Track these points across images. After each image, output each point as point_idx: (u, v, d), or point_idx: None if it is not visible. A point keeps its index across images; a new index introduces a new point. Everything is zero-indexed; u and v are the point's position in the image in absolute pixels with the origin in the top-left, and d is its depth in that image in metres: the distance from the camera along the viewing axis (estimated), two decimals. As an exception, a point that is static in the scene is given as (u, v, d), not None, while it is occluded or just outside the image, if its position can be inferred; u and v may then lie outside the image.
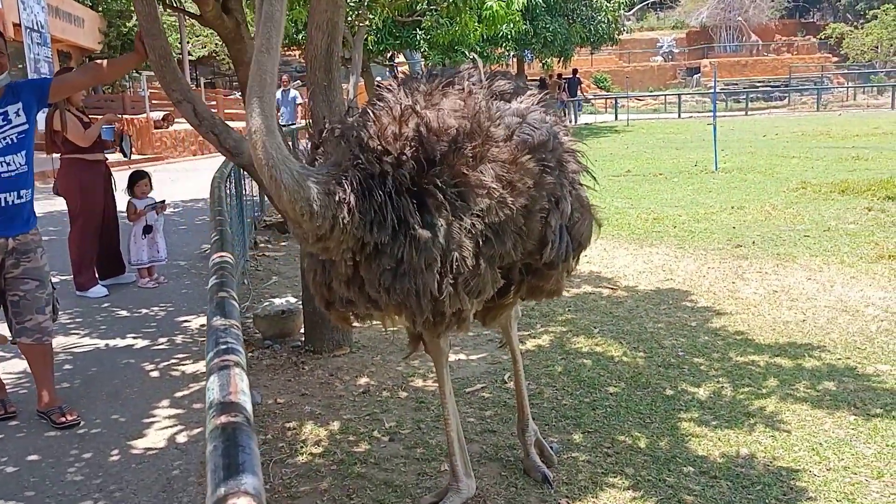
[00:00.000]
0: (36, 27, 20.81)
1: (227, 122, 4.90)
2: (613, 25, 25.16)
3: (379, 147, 2.39)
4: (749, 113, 31.60)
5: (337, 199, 2.30)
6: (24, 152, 3.89)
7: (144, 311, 6.23)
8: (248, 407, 1.25)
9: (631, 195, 11.19)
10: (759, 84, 41.67)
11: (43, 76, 20.69)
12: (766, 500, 3.05)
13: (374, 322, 2.89)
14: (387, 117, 2.49)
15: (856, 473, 3.24)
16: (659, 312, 5.56)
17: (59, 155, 6.47)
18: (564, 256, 2.73)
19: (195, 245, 8.72)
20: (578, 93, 29.87)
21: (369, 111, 2.57)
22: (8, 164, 3.80)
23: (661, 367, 4.51)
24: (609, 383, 4.29)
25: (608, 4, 24.38)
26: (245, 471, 1.02)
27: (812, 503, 3.03)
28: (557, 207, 2.68)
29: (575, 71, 29.21)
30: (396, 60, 35.78)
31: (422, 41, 18.33)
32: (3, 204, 3.78)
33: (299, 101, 16.68)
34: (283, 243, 8.89)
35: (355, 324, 2.94)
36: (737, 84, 41.16)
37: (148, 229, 6.83)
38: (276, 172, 2.16)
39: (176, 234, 8.98)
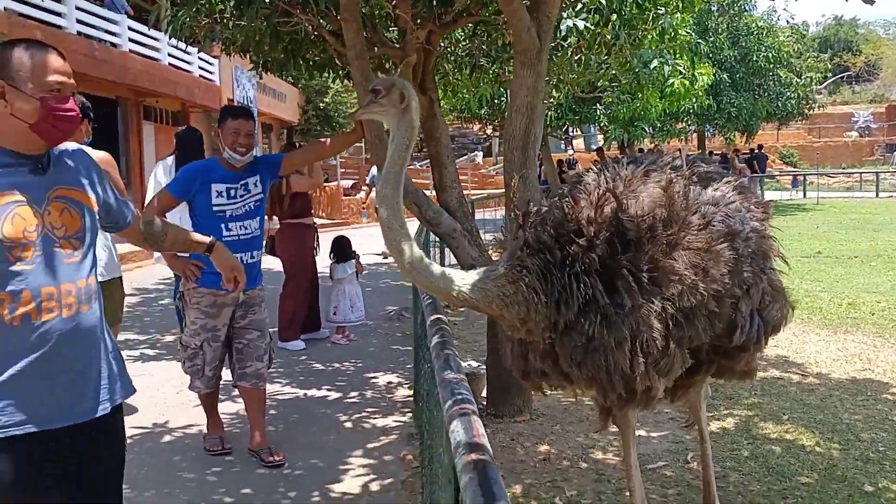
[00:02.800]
0: (245, 102, 23.28)
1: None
2: (804, 101, 24.22)
3: (573, 230, 2.58)
4: (959, 193, 28.97)
5: (523, 285, 2.52)
6: (258, 218, 4.46)
7: (337, 365, 6.72)
8: (490, 448, 1.45)
9: (822, 278, 10.61)
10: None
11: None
12: None
13: (568, 390, 3.03)
14: (584, 201, 2.68)
15: None
16: (856, 403, 5.26)
17: (277, 219, 7.22)
18: (756, 339, 2.77)
19: (380, 307, 9.26)
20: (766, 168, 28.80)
21: (569, 195, 2.77)
22: (246, 228, 4.36)
23: (858, 460, 4.27)
24: (801, 473, 4.12)
25: (798, 80, 23.54)
26: (500, 499, 1.21)
27: None
28: (748, 293, 2.73)
29: (760, 146, 28.23)
30: (572, 133, 36.32)
31: (601, 116, 18.60)
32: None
33: None
34: (462, 308, 9.22)
35: (548, 391, 3.11)
36: (944, 162, 38.01)
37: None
38: (466, 296, 2.55)
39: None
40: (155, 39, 20.01)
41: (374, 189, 13.57)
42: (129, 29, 18.70)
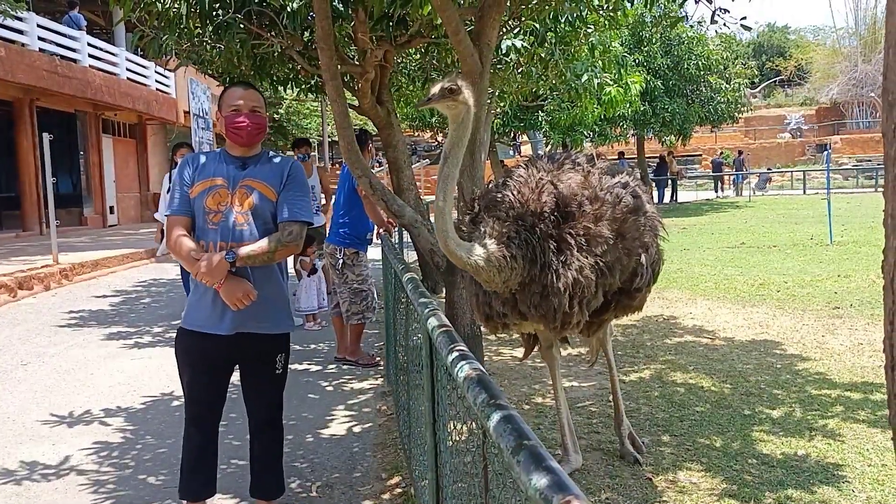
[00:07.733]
0: (201, 114, 23.72)
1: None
2: (733, 105, 25.80)
3: (528, 210, 3.52)
4: (879, 189, 30.92)
5: (512, 254, 3.41)
6: None
7: (314, 346, 7.62)
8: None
9: (742, 264, 11.86)
10: (893, 160, 40.52)
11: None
12: (812, 482, 3.89)
13: (513, 334, 4.00)
14: (525, 188, 3.62)
15: (892, 468, 4.02)
16: (749, 357, 6.37)
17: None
18: (647, 283, 3.80)
19: (346, 299, 10.18)
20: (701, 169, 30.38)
21: (510, 184, 3.72)
22: None
23: (743, 395, 5.36)
24: (697, 404, 5.19)
25: (727, 86, 25.10)
26: (457, 341, 2.17)
27: (848, 485, 3.85)
28: (647, 252, 3.74)
29: (740, 152, 29.85)
30: (520, 140, 37.59)
31: (543, 123, 19.74)
32: None
33: None
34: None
35: (501, 334, 4.08)
36: (870, 160, 40.31)
37: (314, 270, 8.29)
38: (469, 260, 3.26)
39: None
40: (113, 55, 20.55)
41: None
42: (89, 45, 19.20)
